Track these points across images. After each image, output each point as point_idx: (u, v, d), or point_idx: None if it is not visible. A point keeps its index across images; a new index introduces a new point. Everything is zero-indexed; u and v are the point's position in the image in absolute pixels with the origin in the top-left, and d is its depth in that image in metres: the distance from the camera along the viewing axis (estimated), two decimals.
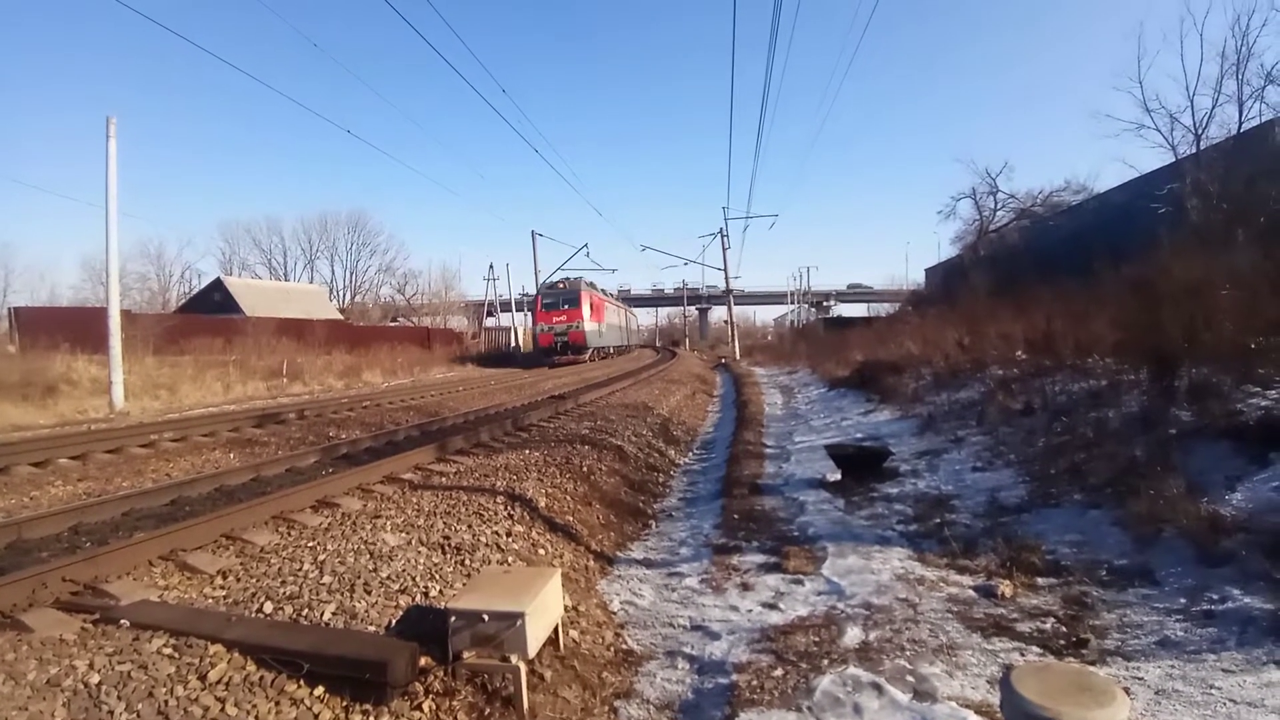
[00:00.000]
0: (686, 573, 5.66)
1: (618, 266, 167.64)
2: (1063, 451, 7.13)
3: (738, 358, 44.69)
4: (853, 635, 4.20)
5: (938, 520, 6.34)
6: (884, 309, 48.11)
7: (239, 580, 4.29)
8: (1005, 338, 12.45)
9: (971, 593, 4.83)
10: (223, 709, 2.92)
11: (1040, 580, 4.90)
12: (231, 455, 8.87)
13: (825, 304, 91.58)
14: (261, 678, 3.11)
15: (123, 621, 3.58)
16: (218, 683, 3.06)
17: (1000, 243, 30.23)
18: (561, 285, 38.32)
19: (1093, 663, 3.67)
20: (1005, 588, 4.75)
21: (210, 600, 4.01)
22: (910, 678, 3.63)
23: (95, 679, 3.01)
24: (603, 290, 48.91)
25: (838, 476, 8.36)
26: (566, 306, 36.60)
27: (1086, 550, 5.24)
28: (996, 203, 32.01)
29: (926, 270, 43.43)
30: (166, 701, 2.91)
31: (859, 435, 10.93)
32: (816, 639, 4.20)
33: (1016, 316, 13.32)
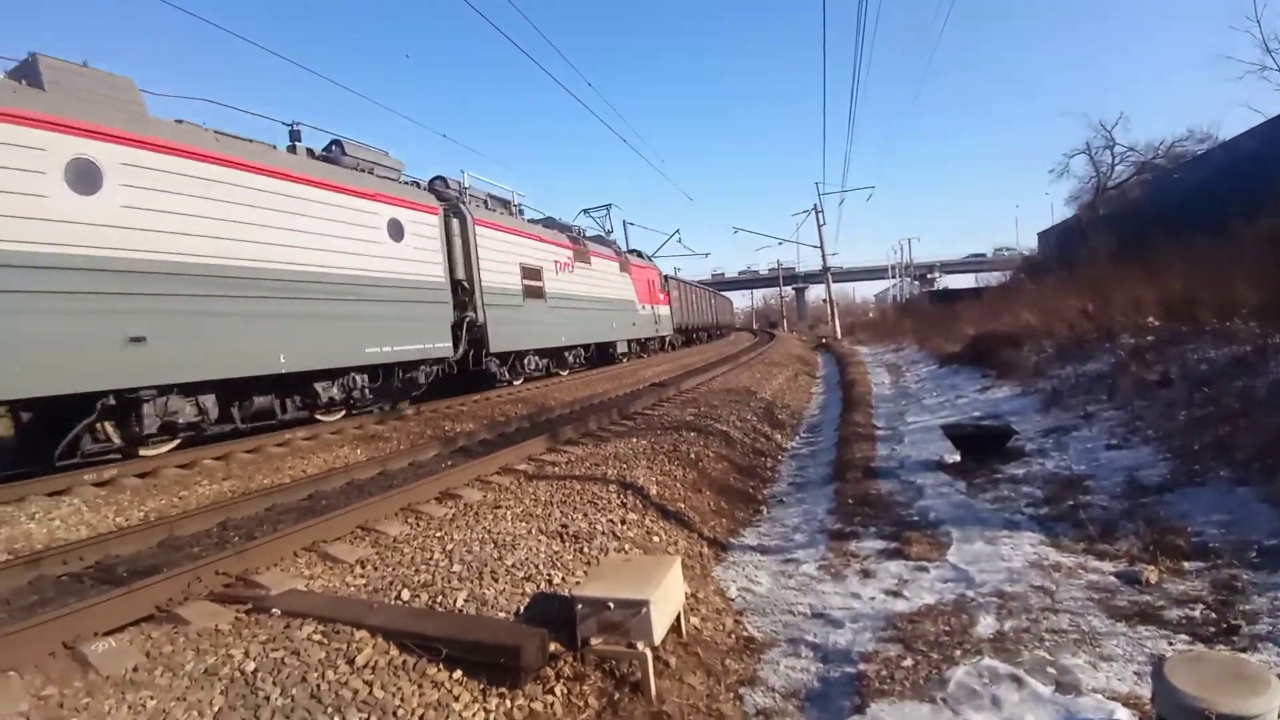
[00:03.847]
0: (803, 559, 5.58)
1: (710, 250, 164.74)
2: (1206, 425, 6.60)
3: (839, 337, 43.62)
4: (986, 625, 4.03)
5: (1071, 503, 5.99)
6: (994, 278, 45.22)
7: (376, 569, 4.53)
8: (1134, 303, 11.65)
9: (1113, 579, 4.54)
10: (370, 691, 3.08)
11: (1186, 564, 4.56)
12: (359, 451, 9.36)
13: (930, 276, 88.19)
14: (404, 662, 3.27)
15: (274, 610, 3.83)
16: (364, 666, 3.23)
17: (1121, 200, 28.11)
18: None
19: (1245, 650, 3.41)
20: (1149, 573, 4.45)
21: (352, 588, 4.25)
22: (1051, 669, 3.45)
23: (251, 666, 3.22)
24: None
25: (957, 458, 8.03)
26: None
27: (1235, 531, 4.84)
28: (1114, 157, 29.85)
29: (1040, 234, 41.00)
30: (319, 685, 3.09)
31: (977, 414, 10.47)
32: (947, 628, 4.05)
33: (1145, 279, 12.44)
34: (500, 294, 16.09)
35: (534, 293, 17.77)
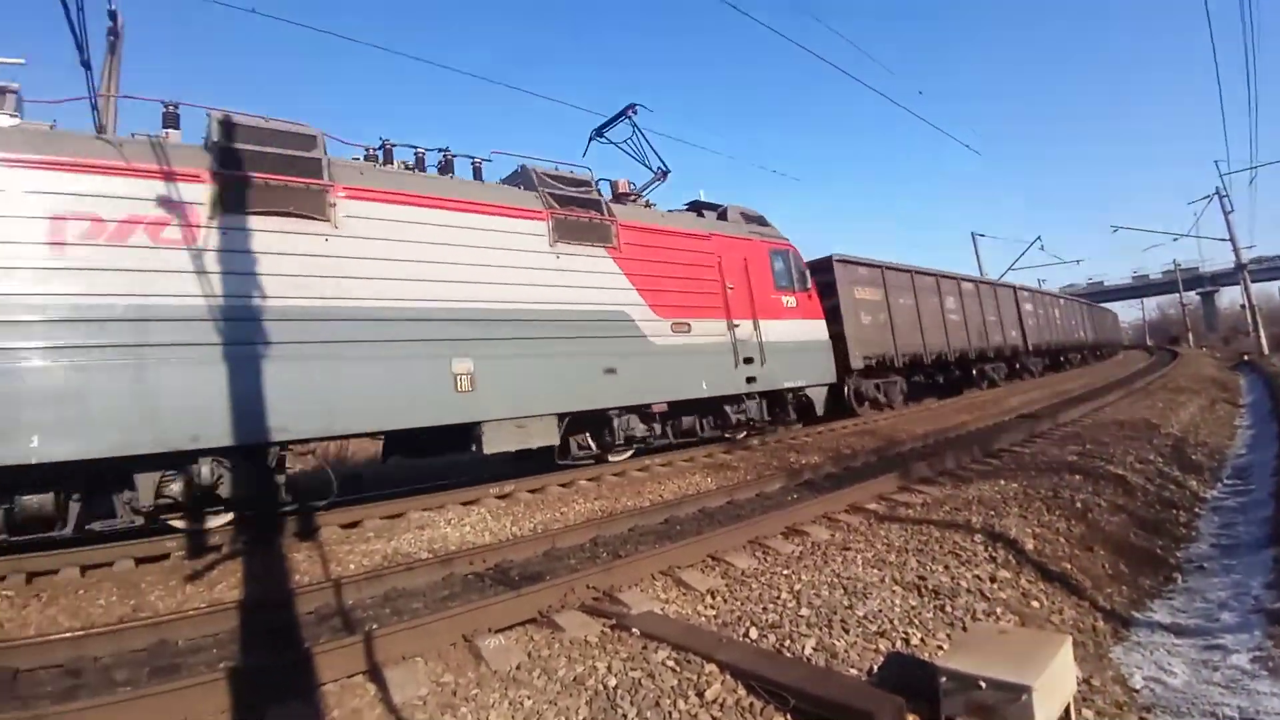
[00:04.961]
0: (1232, 646, 4.40)
1: (1083, 257, 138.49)
2: None
3: (1266, 352, 34.94)
4: None
5: None
6: None
7: (725, 601, 4.58)
8: None
9: None
10: None
11: None
12: (708, 479, 9.73)
13: None
14: (751, 704, 3.18)
15: (633, 630, 4.05)
16: (713, 702, 3.21)
17: None
18: None
19: None
20: None
21: (702, 618, 4.34)
22: None
23: (612, 682, 3.42)
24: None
25: None
26: None
27: None
28: None
29: None
30: (670, 713, 3.14)
31: None
32: None
33: None
34: None
35: None
